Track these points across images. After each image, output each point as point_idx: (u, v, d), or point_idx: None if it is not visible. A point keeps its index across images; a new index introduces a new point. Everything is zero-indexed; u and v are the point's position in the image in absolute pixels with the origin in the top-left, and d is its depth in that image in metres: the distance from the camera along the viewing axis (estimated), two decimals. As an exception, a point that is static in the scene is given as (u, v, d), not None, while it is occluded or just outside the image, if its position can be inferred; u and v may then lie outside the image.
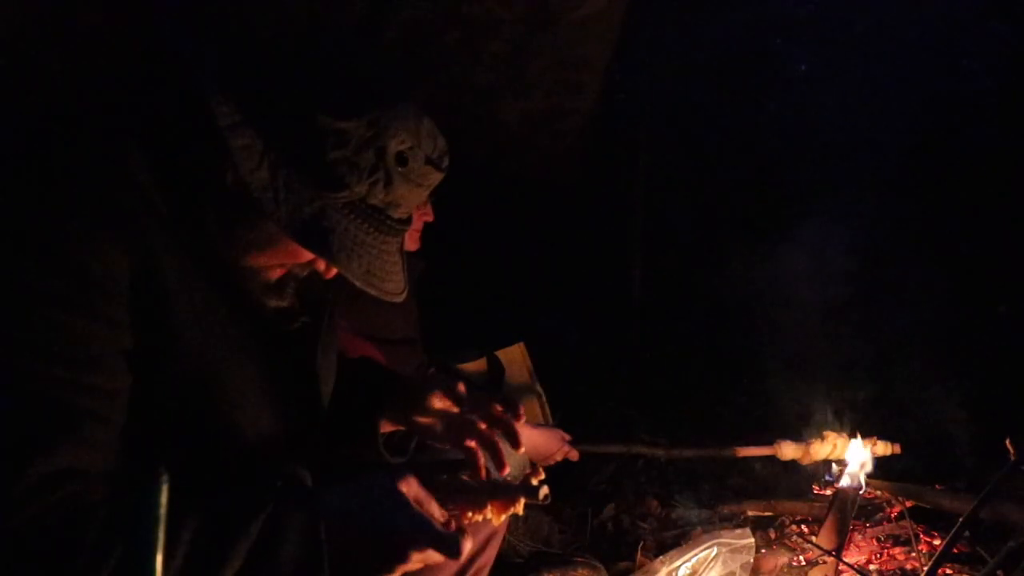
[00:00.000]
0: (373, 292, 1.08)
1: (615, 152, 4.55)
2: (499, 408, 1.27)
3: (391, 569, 0.94)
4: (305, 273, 1.16)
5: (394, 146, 1.04)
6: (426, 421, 1.31)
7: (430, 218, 2.19)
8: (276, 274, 1.13)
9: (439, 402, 1.30)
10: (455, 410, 1.30)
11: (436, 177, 1.11)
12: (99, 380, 0.93)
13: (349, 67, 1.07)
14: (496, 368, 2.66)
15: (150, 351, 0.98)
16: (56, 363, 0.90)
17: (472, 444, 1.25)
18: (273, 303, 1.15)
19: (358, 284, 1.06)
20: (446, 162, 1.12)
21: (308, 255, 1.09)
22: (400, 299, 1.14)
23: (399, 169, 1.05)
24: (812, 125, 4.76)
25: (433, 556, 0.95)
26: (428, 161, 1.09)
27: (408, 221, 1.13)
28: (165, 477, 0.81)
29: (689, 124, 5.01)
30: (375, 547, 0.95)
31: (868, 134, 4.77)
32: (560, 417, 2.78)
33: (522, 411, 1.28)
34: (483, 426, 1.26)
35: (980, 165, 4.52)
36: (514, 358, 2.68)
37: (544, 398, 2.66)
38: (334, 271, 1.12)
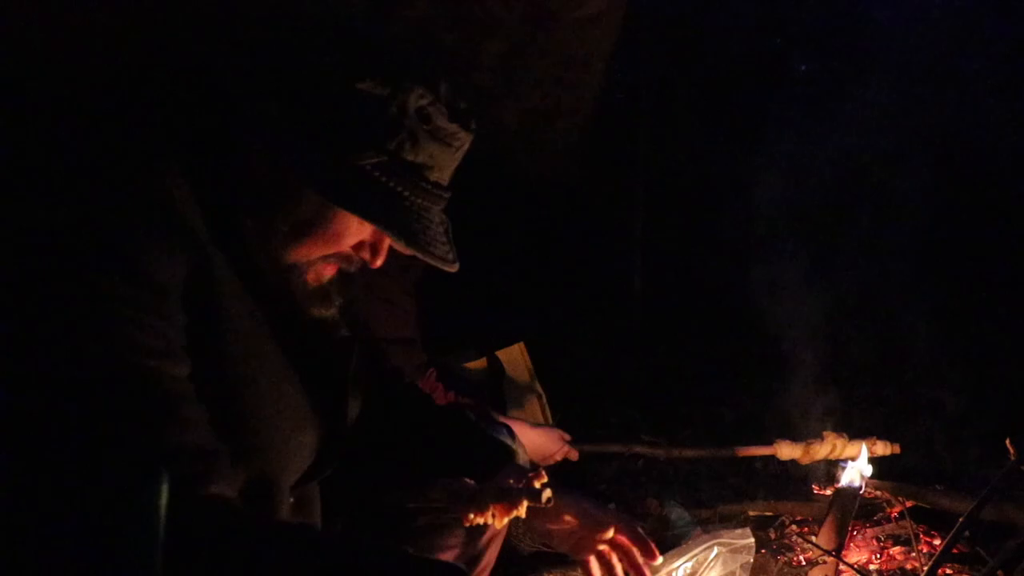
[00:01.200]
0: (420, 254, 1.06)
1: (615, 152, 4.54)
2: (631, 542, 1.33)
3: None
4: (352, 268, 1.14)
5: (413, 101, 1.03)
6: (553, 525, 1.35)
7: None
8: (322, 274, 1.12)
9: (568, 523, 1.34)
10: (580, 535, 1.34)
11: (464, 137, 1.10)
12: (181, 372, 0.95)
13: (360, 35, 1.07)
14: (496, 368, 2.66)
15: (195, 361, 0.99)
16: (147, 356, 0.92)
17: (591, 561, 1.31)
18: (316, 311, 1.14)
19: (403, 243, 1.04)
20: (473, 123, 1.11)
21: (349, 237, 1.08)
22: (454, 267, 1.11)
23: (423, 127, 1.04)
24: (815, 125, 4.76)
25: None
26: (452, 119, 1.07)
27: (448, 188, 1.10)
28: (165, 477, 0.81)
29: (689, 124, 5.01)
30: None
31: (874, 138, 4.77)
32: (560, 417, 2.78)
33: (655, 553, 1.34)
34: (608, 551, 1.32)
35: (988, 168, 4.52)
36: (514, 358, 2.68)
37: (544, 398, 2.66)
38: (380, 259, 1.11)
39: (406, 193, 1.05)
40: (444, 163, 1.09)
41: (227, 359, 1.02)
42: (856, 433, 2.66)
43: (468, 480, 1.24)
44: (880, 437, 2.62)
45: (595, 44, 3.71)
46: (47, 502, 0.82)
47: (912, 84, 4.87)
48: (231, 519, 0.92)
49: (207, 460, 0.93)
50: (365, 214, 1.03)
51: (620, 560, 1.35)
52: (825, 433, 2.66)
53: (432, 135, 1.05)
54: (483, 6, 3.30)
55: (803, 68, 5.34)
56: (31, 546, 0.83)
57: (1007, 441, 2.05)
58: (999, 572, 1.99)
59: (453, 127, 1.08)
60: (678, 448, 3.09)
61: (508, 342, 2.68)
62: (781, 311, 3.77)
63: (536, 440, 2.20)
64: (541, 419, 2.60)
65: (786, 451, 2.66)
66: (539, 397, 2.66)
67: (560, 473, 2.60)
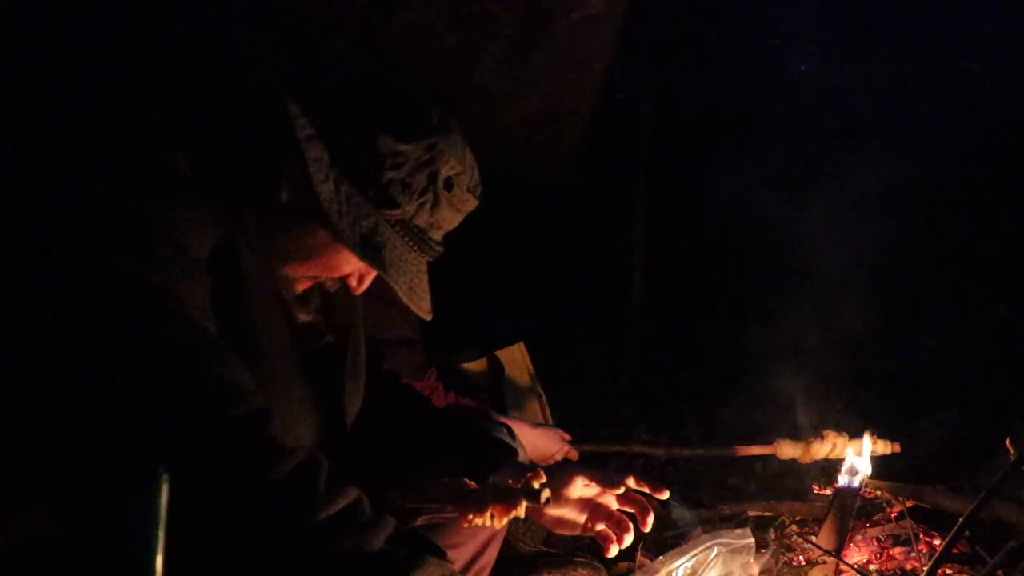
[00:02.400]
0: (414, 308, 1.14)
1: (615, 152, 4.55)
2: (637, 482, 1.33)
3: None
4: (334, 288, 1.18)
5: (445, 171, 1.10)
6: (560, 510, 1.34)
7: None
8: (303, 286, 1.16)
9: (584, 484, 1.34)
10: (596, 492, 1.34)
11: (472, 204, 1.19)
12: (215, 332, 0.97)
13: (407, 94, 1.13)
14: (496, 368, 2.66)
15: (221, 325, 1.01)
16: (190, 309, 0.94)
17: (604, 529, 1.31)
18: (301, 316, 1.18)
19: (403, 298, 1.12)
20: (480, 191, 1.20)
21: (345, 268, 1.14)
22: (429, 317, 1.20)
23: (446, 193, 1.11)
24: (816, 122, 4.77)
25: None
26: (469, 189, 1.16)
27: (442, 244, 1.18)
28: (165, 477, 0.81)
29: (689, 123, 5.01)
30: None
31: (879, 130, 4.78)
32: (560, 417, 2.78)
33: (664, 488, 1.35)
34: (616, 507, 1.32)
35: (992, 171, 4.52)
36: (514, 358, 2.68)
37: (544, 398, 2.66)
38: (363, 287, 1.19)
39: (413, 248, 1.12)
40: (449, 224, 1.17)
41: (249, 331, 1.04)
42: (856, 432, 2.66)
43: (467, 480, 1.24)
44: (880, 436, 2.62)
45: (595, 44, 3.71)
46: (50, 499, 0.82)
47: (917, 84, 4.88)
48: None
49: (260, 401, 0.95)
50: (378, 265, 1.08)
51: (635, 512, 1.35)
52: (825, 432, 2.66)
53: (450, 201, 1.13)
54: (483, 6, 3.30)
55: (803, 68, 5.34)
56: (32, 544, 0.83)
57: (1007, 441, 2.05)
58: (999, 572, 1.99)
59: (467, 195, 1.16)
60: (678, 447, 3.09)
61: (508, 342, 2.68)
62: (781, 311, 3.78)
63: (536, 440, 2.20)
64: (541, 419, 2.61)
65: (786, 450, 2.66)
66: (539, 397, 2.66)
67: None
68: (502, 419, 1.82)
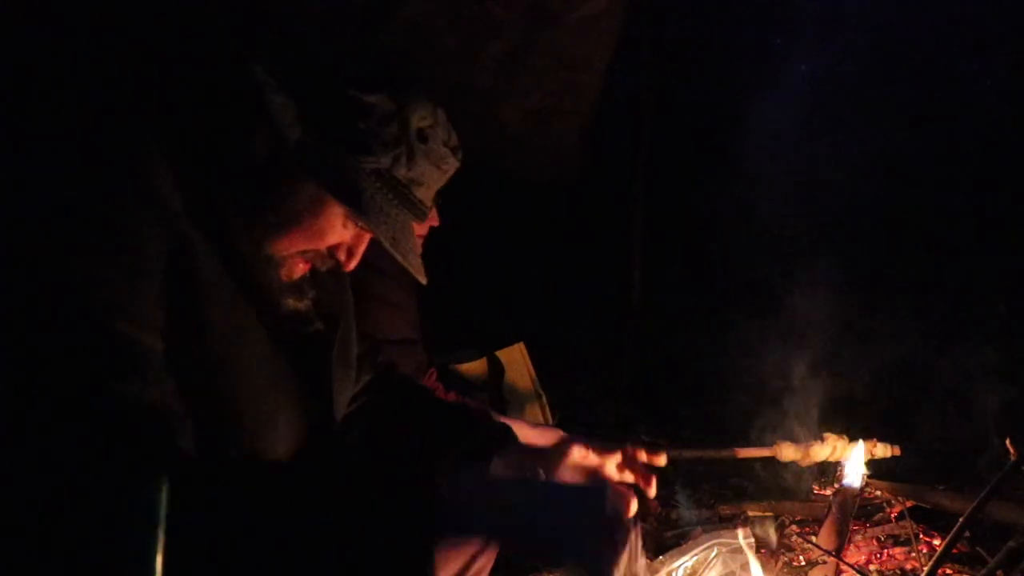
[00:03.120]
0: (399, 259, 1.12)
1: (615, 152, 4.55)
2: (634, 449, 1.35)
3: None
4: (325, 267, 1.17)
5: (416, 122, 1.10)
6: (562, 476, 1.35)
7: (436, 223, 2.18)
8: (296, 270, 1.15)
9: (581, 455, 1.35)
10: (592, 462, 1.35)
11: (453, 164, 1.18)
12: (148, 338, 0.95)
13: (371, 54, 1.14)
14: (496, 368, 2.66)
15: (178, 336, 1.00)
16: (116, 316, 0.92)
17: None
18: (291, 303, 1.16)
19: (386, 246, 1.10)
20: (460, 154, 1.19)
21: (331, 237, 1.12)
22: (424, 279, 1.19)
23: (421, 146, 1.11)
24: (816, 124, 4.77)
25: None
26: (446, 145, 1.15)
27: (428, 207, 1.17)
28: (165, 478, 0.81)
29: (689, 123, 5.01)
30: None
31: (873, 134, 4.78)
32: (560, 417, 2.78)
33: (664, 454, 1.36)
34: (617, 476, 1.34)
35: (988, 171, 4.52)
36: (514, 358, 2.68)
37: (544, 398, 2.66)
38: (353, 261, 1.17)
39: (395, 203, 1.11)
40: (431, 183, 1.16)
41: (208, 336, 1.02)
42: (856, 435, 2.66)
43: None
44: (880, 439, 2.62)
45: (595, 44, 3.71)
46: (46, 498, 0.82)
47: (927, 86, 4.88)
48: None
49: (168, 420, 0.93)
50: (356, 208, 1.07)
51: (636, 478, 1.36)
52: (825, 435, 2.66)
53: (427, 155, 1.12)
54: (483, 6, 3.30)
55: (803, 68, 5.34)
56: (30, 544, 0.83)
57: (1007, 441, 2.05)
58: (999, 572, 1.99)
59: (446, 151, 1.15)
60: (678, 448, 3.09)
61: (508, 342, 2.68)
62: (782, 310, 3.78)
63: (536, 440, 2.19)
64: (541, 419, 2.60)
65: (787, 452, 2.65)
66: (539, 397, 2.66)
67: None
68: (502, 419, 1.82)
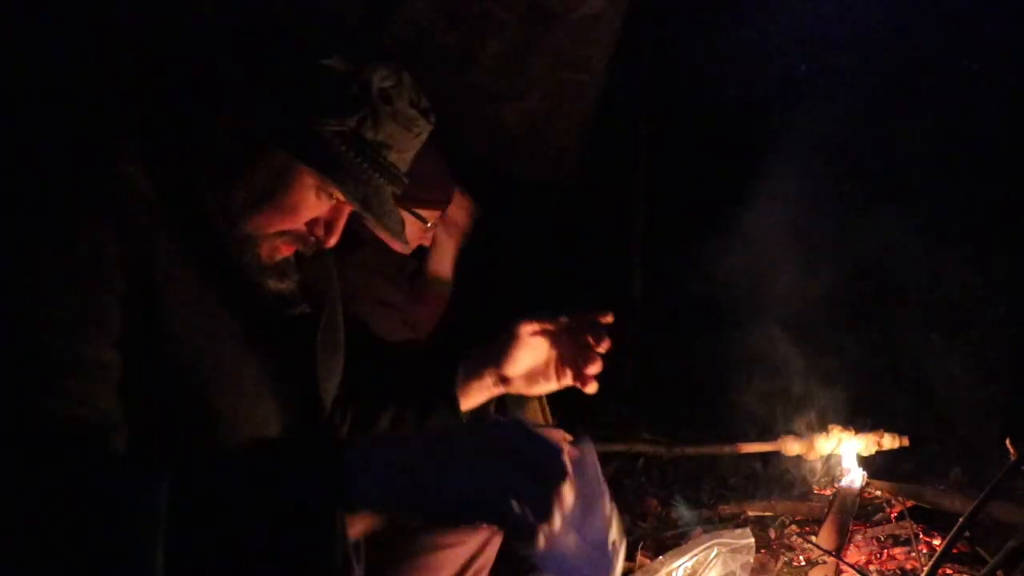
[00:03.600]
0: (371, 218, 1.09)
1: (615, 152, 4.55)
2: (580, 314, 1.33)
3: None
4: (309, 249, 1.15)
5: (377, 81, 1.07)
6: (521, 368, 1.35)
7: (428, 243, 2.19)
8: (278, 251, 1.13)
9: (530, 333, 1.35)
10: (547, 336, 1.35)
11: (424, 126, 1.14)
12: (84, 348, 0.92)
13: (330, 21, 1.12)
14: (496, 368, 2.65)
15: (139, 338, 0.97)
16: (58, 331, 0.90)
17: (572, 373, 1.33)
18: (273, 284, 1.14)
19: (356, 206, 1.08)
20: (432, 117, 1.15)
21: (305, 211, 1.10)
22: (402, 244, 1.17)
23: (385, 107, 1.08)
24: (817, 124, 4.76)
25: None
26: (413, 106, 1.11)
27: (402, 172, 1.14)
28: (165, 477, 0.81)
29: (689, 123, 5.01)
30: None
31: (875, 133, 4.78)
32: (560, 417, 2.78)
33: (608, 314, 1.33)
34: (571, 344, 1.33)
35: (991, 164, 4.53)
36: (514, 358, 2.67)
37: (544, 398, 2.66)
38: (333, 237, 1.14)
39: (364, 165, 1.08)
40: (403, 146, 1.12)
41: (174, 334, 1.00)
42: (860, 428, 2.66)
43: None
44: (887, 430, 2.62)
45: (595, 44, 3.71)
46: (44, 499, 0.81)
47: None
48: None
49: (83, 433, 0.89)
50: (320, 167, 1.05)
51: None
52: (830, 427, 2.66)
53: (393, 116, 1.09)
54: (483, 6, 3.30)
55: (803, 68, 5.34)
56: (28, 546, 0.83)
57: (1007, 441, 2.05)
58: (999, 572, 1.99)
59: (413, 112, 1.12)
60: (680, 446, 3.09)
61: (508, 342, 2.67)
62: (782, 310, 3.77)
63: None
64: (541, 419, 2.60)
65: (791, 446, 2.65)
66: (539, 397, 2.66)
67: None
68: (502, 419, 1.81)
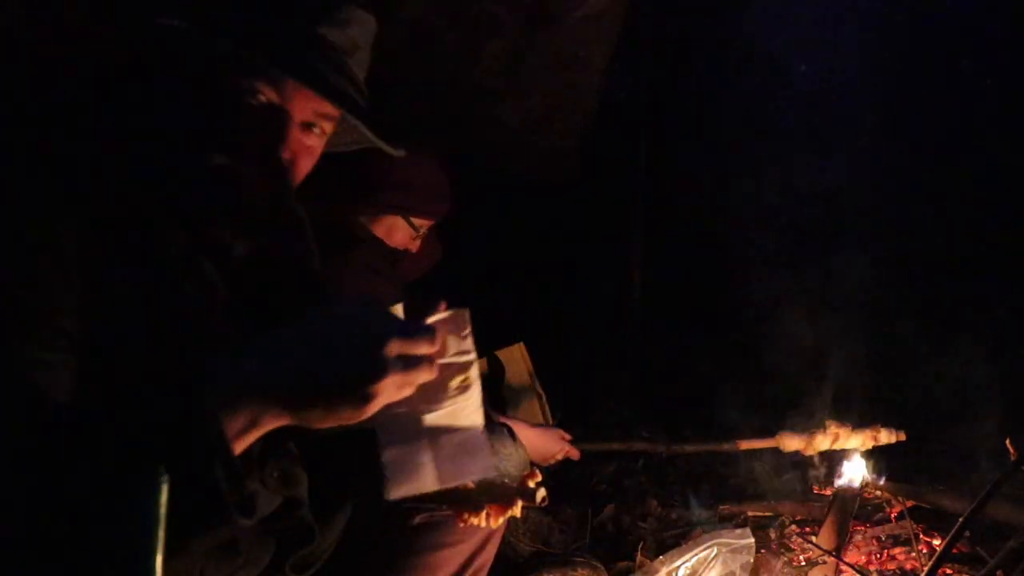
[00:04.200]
0: (304, 82, 1.05)
1: (615, 152, 4.55)
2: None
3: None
4: (262, 168, 1.09)
5: None
6: None
7: (415, 249, 2.18)
8: (236, 170, 1.07)
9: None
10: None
11: (363, 17, 1.18)
12: (45, 355, 0.90)
13: None
14: (496, 368, 2.66)
15: (97, 331, 0.95)
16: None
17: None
18: (240, 244, 1.12)
19: (299, 80, 1.05)
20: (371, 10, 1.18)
21: (237, 96, 1.06)
22: (340, 101, 1.09)
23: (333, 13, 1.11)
24: (816, 125, 4.76)
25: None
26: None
27: (340, 50, 1.13)
28: (165, 477, 0.81)
29: (689, 123, 5.01)
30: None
31: (878, 132, 4.78)
32: (560, 417, 2.78)
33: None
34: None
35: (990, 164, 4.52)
36: (514, 358, 2.68)
37: (544, 398, 2.66)
38: (283, 145, 1.08)
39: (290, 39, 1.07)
40: (356, 38, 1.16)
41: (123, 324, 0.97)
42: (858, 423, 2.65)
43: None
44: (884, 425, 2.61)
45: (595, 44, 3.71)
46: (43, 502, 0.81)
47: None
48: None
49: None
50: (282, 62, 1.04)
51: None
52: (828, 423, 2.65)
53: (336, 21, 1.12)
54: (483, 6, 3.30)
55: (803, 68, 5.34)
56: (27, 546, 0.83)
57: (1007, 441, 2.04)
58: (999, 572, 1.99)
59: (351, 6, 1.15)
60: (679, 443, 3.08)
61: (508, 342, 2.67)
62: (781, 310, 3.78)
63: (536, 440, 2.19)
64: (541, 419, 2.60)
65: (789, 442, 2.64)
66: (539, 397, 2.66)
67: (560, 473, 2.60)
68: (502, 419, 1.81)
